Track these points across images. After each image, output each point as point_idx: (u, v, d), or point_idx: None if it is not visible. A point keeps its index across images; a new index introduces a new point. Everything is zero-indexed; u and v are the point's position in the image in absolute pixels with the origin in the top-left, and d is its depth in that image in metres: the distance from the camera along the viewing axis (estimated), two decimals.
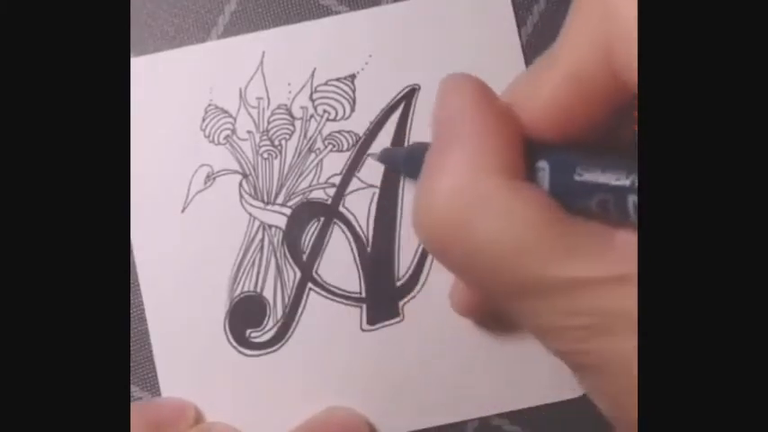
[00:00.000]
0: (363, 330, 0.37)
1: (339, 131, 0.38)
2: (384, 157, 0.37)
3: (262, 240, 0.37)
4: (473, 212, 0.24)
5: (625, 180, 0.23)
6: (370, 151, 0.37)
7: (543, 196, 0.24)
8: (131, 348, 0.37)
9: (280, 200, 0.37)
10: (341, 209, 0.37)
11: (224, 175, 0.37)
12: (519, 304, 0.25)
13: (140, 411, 0.35)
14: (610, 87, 0.24)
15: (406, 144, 0.37)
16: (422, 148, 0.27)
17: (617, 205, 0.23)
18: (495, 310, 0.30)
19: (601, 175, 0.24)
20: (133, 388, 0.37)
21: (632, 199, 0.23)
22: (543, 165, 0.25)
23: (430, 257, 0.37)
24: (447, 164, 0.24)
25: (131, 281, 0.37)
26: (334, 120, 0.38)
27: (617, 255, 0.23)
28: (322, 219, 0.37)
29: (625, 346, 0.22)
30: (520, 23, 0.38)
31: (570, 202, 0.24)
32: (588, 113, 0.25)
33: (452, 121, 0.25)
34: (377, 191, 0.37)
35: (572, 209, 0.24)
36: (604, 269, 0.23)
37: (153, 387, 0.37)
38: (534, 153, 0.25)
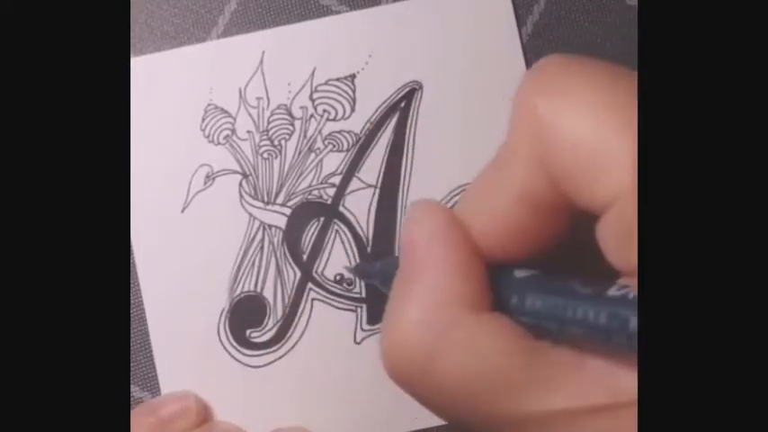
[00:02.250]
0: (363, 330, 0.37)
1: (339, 131, 0.38)
2: (358, 271, 0.36)
3: (262, 240, 0.37)
4: (437, 346, 0.24)
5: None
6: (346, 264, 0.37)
7: (508, 326, 0.24)
8: (131, 348, 0.37)
9: (280, 200, 0.37)
10: (341, 209, 0.37)
11: (224, 175, 0.37)
12: None
13: (142, 414, 0.35)
14: (561, 205, 0.24)
15: (406, 147, 0.37)
16: (394, 265, 0.27)
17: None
18: None
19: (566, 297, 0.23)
20: (133, 388, 0.37)
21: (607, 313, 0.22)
22: (512, 295, 0.24)
23: None
24: (412, 296, 0.24)
25: (131, 281, 0.37)
26: (333, 120, 0.38)
27: (590, 384, 0.22)
28: (322, 219, 0.37)
29: None
30: (520, 23, 0.38)
31: (542, 325, 0.24)
32: (545, 230, 0.25)
33: (417, 250, 0.25)
34: (377, 191, 0.37)
35: (542, 333, 0.24)
36: (578, 400, 0.22)
37: (153, 387, 0.37)
38: (502, 276, 0.25)
